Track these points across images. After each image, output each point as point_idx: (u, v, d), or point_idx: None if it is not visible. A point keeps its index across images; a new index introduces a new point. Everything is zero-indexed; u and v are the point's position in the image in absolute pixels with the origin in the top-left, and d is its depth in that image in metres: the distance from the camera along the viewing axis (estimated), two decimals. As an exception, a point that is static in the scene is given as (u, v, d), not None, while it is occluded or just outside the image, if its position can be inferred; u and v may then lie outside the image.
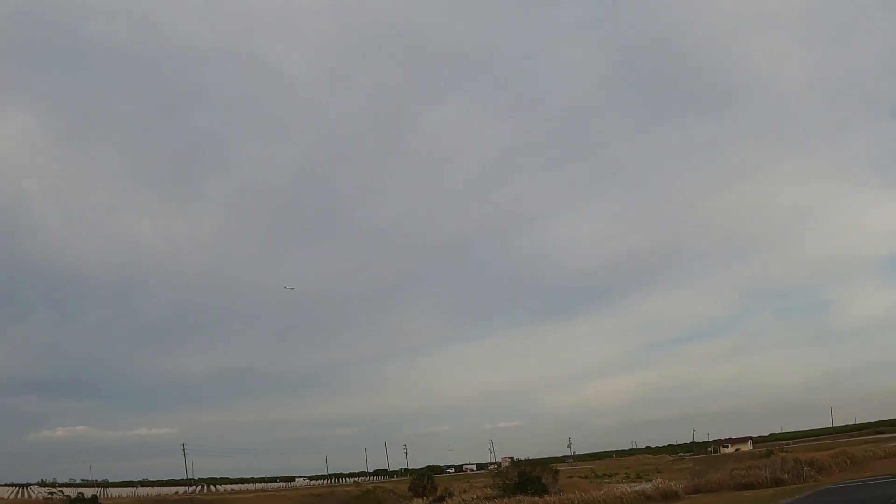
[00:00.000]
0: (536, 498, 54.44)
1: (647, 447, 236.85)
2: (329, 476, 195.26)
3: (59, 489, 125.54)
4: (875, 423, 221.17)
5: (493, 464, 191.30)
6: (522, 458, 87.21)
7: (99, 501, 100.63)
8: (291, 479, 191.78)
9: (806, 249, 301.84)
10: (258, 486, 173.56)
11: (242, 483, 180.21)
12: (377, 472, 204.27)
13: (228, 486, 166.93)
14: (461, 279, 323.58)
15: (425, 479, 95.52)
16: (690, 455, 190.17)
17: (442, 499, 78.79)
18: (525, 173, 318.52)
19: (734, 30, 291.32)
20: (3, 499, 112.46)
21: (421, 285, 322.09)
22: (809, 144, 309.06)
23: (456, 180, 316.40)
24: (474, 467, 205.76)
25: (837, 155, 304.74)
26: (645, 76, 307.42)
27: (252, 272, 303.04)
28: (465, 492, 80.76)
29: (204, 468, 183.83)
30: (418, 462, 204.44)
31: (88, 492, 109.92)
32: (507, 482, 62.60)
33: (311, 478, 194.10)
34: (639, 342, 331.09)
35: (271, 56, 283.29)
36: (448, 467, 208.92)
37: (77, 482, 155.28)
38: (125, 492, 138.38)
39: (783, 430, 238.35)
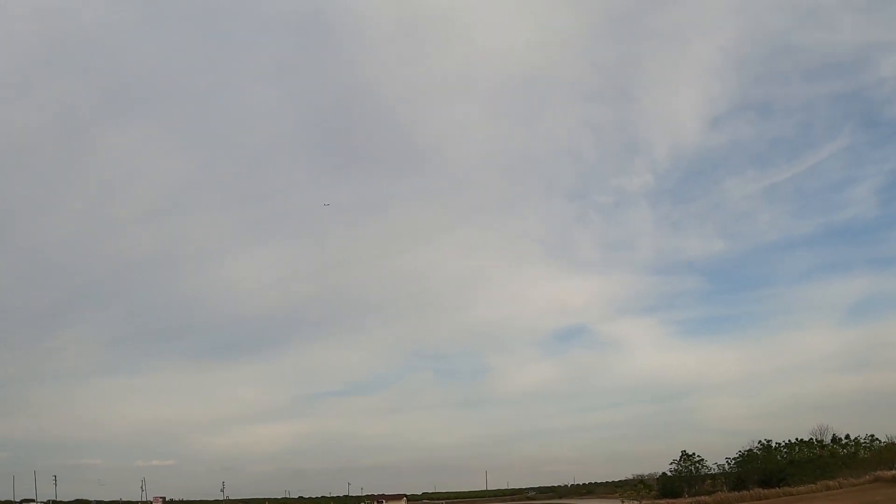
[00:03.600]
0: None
1: (301, 497, 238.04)
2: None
3: None
4: (526, 488, 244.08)
5: (144, 502, 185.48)
6: (175, 500, 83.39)
7: None
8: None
9: (471, 315, 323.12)
10: None
11: None
12: (24, 502, 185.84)
13: None
14: (126, 310, 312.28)
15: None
16: None
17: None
18: (203, 208, 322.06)
19: (425, 96, 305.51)
20: None
21: (84, 311, 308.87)
22: (485, 215, 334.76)
23: (132, 206, 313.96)
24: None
25: (510, 229, 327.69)
26: (334, 128, 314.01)
27: None
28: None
29: None
30: (68, 494, 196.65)
31: None
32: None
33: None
34: (301, 391, 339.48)
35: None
36: (97, 503, 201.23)
37: None
38: None
39: (437, 490, 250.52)
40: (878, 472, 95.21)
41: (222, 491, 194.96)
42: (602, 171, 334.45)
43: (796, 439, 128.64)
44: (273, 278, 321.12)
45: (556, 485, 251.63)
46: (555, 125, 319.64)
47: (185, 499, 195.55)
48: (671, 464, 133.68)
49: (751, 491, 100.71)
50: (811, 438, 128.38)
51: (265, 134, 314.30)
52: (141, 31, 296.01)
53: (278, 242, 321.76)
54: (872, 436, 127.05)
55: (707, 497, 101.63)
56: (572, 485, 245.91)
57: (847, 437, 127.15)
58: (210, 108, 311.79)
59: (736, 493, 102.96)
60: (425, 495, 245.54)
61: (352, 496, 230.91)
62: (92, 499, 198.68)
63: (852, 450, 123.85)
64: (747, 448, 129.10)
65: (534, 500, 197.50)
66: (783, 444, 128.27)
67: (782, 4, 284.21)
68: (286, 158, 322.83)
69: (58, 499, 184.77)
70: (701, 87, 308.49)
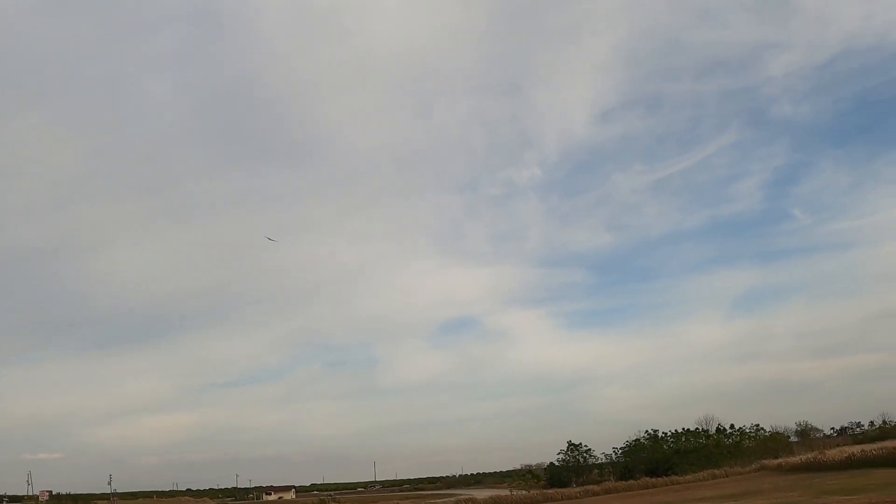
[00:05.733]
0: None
1: (189, 489, 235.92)
2: None
3: None
4: (415, 479, 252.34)
5: (30, 497, 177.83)
6: (63, 493, 79.33)
7: None
8: None
9: (361, 307, 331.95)
10: None
11: None
12: None
13: None
14: (12, 302, 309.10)
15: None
16: (233, 500, 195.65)
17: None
18: (92, 200, 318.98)
19: (317, 88, 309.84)
20: None
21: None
22: (376, 207, 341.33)
23: (22, 194, 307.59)
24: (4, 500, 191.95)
25: (401, 221, 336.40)
26: (226, 119, 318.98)
27: None
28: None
29: None
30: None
31: None
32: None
33: None
34: (190, 382, 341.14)
35: None
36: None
37: None
38: None
39: (325, 481, 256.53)
40: (763, 461, 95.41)
41: (109, 484, 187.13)
42: (492, 164, 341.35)
43: (683, 429, 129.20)
44: (162, 270, 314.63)
45: (445, 475, 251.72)
46: (446, 118, 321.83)
47: (72, 492, 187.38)
48: (559, 454, 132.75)
49: (638, 480, 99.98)
50: (697, 428, 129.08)
51: (156, 125, 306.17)
52: (31, 19, 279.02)
53: (168, 234, 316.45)
54: (758, 425, 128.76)
55: (595, 486, 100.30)
56: (461, 475, 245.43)
57: (732, 426, 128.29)
58: (100, 98, 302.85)
59: (623, 482, 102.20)
60: (314, 487, 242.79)
61: (240, 488, 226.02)
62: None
63: (737, 439, 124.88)
64: (634, 438, 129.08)
65: (422, 490, 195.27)
66: (670, 433, 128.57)
67: (675, 2, 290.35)
68: (177, 150, 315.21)
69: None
70: (592, 82, 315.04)
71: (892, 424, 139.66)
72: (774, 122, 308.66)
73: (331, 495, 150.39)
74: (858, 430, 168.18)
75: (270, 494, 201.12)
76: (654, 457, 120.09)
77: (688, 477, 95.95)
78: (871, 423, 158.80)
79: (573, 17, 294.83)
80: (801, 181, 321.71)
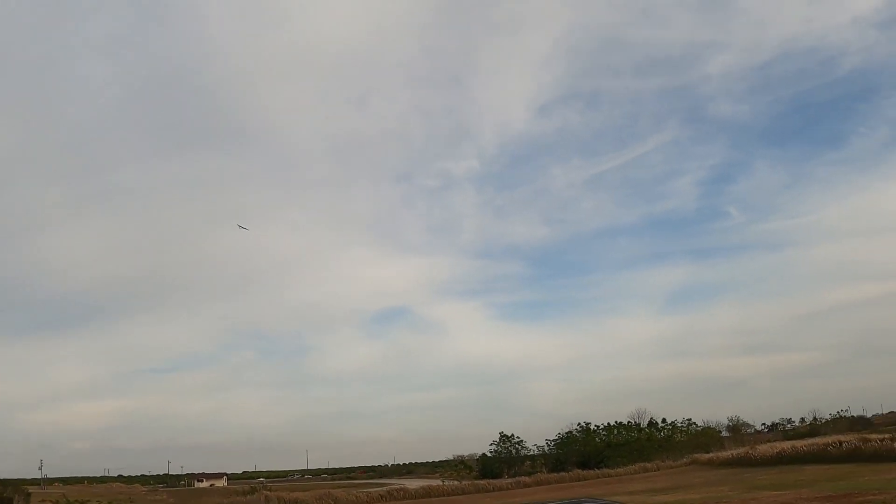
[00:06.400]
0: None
1: (121, 476, 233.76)
2: None
3: None
4: (347, 468, 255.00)
5: None
6: None
7: None
8: None
9: (295, 296, 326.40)
10: None
11: None
12: None
13: None
14: None
15: None
16: (164, 487, 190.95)
17: None
18: (23, 183, 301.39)
19: (256, 75, 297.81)
20: None
21: None
22: (312, 196, 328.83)
23: None
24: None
25: (337, 210, 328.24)
26: (163, 104, 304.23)
27: None
28: None
29: None
30: None
31: None
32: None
33: None
34: (122, 368, 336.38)
35: None
36: None
37: None
38: None
39: (258, 469, 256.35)
40: (695, 455, 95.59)
41: (40, 469, 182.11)
42: (429, 155, 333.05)
43: (615, 422, 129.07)
44: (95, 255, 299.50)
45: (377, 464, 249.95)
46: (385, 108, 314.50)
47: (1, 478, 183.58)
48: (491, 445, 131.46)
49: (570, 472, 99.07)
50: (629, 422, 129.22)
51: (90, 110, 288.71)
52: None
53: (101, 219, 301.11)
54: (689, 420, 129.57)
55: (527, 478, 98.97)
56: (393, 464, 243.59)
57: (665, 420, 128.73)
58: (34, 80, 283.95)
59: (555, 474, 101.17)
60: (246, 474, 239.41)
61: (172, 475, 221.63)
62: None
63: (669, 433, 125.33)
64: (567, 431, 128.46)
65: (355, 479, 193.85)
66: (602, 427, 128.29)
67: (616, 0, 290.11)
68: (112, 135, 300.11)
69: None
70: (532, 76, 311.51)
71: (823, 421, 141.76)
72: (712, 121, 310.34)
73: (262, 482, 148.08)
74: (789, 426, 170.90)
75: (202, 482, 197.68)
76: (586, 449, 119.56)
77: (619, 470, 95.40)
78: (802, 419, 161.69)
79: (515, 12, 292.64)
80: (736, 180, 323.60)
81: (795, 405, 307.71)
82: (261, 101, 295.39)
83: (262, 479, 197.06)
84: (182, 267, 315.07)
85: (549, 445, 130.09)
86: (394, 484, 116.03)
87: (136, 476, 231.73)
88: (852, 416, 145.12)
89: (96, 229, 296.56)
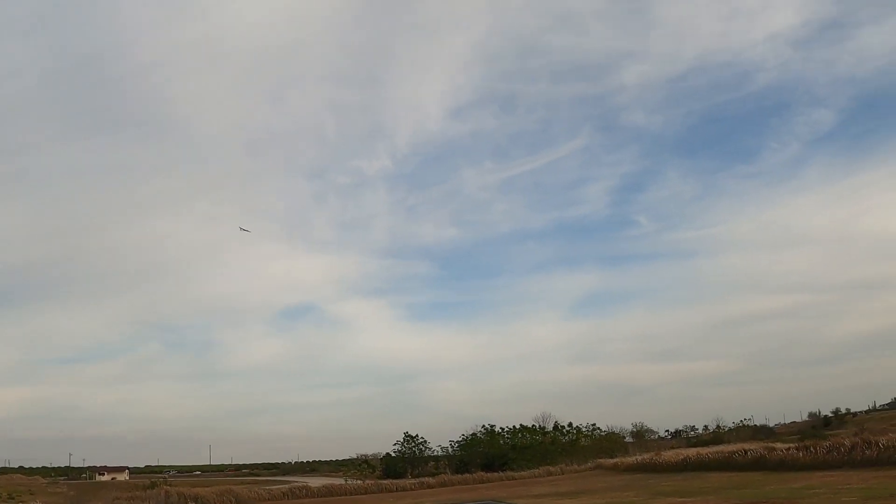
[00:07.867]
0: None
1: (21, 467, 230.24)
2: None
3: None
4: (251, 464, 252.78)
5: None
6: None
7: None
8: None
9: (204, 289, 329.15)
10: None
11: None
12: None
13: None
14: None
15: None
16: (65, 479, 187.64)
17: None
18: None
19: (171, 65, 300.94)
20: None
21: None
22: (225, 189, 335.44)
23: None
24: None
25: (249, 204, 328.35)
26: (81, 89, 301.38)
27: None
28: None
29: None
30: None
31: None
32: None
33: None
34: (24, 356, 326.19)
35: None
36: None
37: None
38: None
39: (160, 463, 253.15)
40: (599, 460, 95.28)
41: None
42: (343, 153, 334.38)
43: (520, 425, 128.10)
44: (2, 239, 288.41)
45: (281, 461, 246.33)
46: (300, 103, 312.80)
47: None
48: (395, 444, 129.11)
49: (473, 474, 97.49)
50: (534, 425, 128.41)
51: (7, 91, 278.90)
52: None
53: (8, 203, 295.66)
54: (594, 425, 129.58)
55: (431, 479, 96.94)
56: (296, 462, 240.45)
57: (570, 424, 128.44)
58: None
59: (459, 475, 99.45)
60: (148, 468, 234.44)
61: (74, 467, 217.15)
62: None
63: (574, 437, 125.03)
64: (472, 432, 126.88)
65: (258, 476, 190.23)
66: (507, 429, 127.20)
67: (535, 6, 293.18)
68: (19, 119, 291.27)
69: None
70: (448, 78, 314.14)
71: (726, 429, 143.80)
72: (625, 130, 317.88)
73: (164, 477, 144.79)
74: (693, 433, 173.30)
75: (104, 475, 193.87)
76: (490, 451, 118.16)
77: (523, 473, 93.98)
78: (706, 427, 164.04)
79: (435, 14, 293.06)
80: (647, 189, 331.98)
81: (699, 413, 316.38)
82: (174, 91, 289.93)
83: (173, 472, 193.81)
84: (90, 255, 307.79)
85: (453, 446, 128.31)
86: (296, 482, 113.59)
87: (37, 468, 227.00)
88: (755, 425, 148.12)
89: (2, 214, 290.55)
